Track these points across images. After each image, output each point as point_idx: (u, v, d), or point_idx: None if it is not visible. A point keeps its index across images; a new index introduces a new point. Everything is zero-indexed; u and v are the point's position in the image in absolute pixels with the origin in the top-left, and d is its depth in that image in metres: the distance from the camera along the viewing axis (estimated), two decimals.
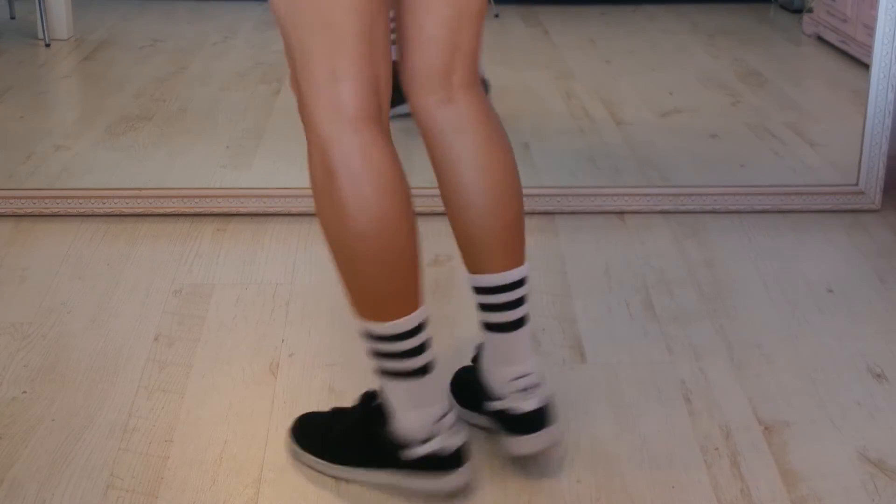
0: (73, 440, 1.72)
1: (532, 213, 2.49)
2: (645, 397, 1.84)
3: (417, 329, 1.51)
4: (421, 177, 2.66)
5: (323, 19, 1.43)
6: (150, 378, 1.88)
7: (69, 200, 2.48)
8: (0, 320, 2.05)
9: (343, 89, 1.46)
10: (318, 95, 1.48)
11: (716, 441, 1.73)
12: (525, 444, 1.62)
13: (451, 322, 2.06)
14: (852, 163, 2.57)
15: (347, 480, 1.63)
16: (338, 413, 1.70)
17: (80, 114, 3.22)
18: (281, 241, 2.38)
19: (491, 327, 1.64)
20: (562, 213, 2.50)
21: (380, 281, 1.49)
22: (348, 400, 1.82)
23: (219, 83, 3.29)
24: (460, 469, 1.57)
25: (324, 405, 1.80)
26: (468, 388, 1.72)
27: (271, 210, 2.47)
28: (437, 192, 2.50)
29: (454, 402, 1.71)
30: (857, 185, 2.55)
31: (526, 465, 1.66)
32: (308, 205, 2.47)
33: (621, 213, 2.50)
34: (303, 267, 2.26)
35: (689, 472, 1.66)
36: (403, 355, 1.51)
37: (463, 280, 2.20)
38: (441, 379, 1.59)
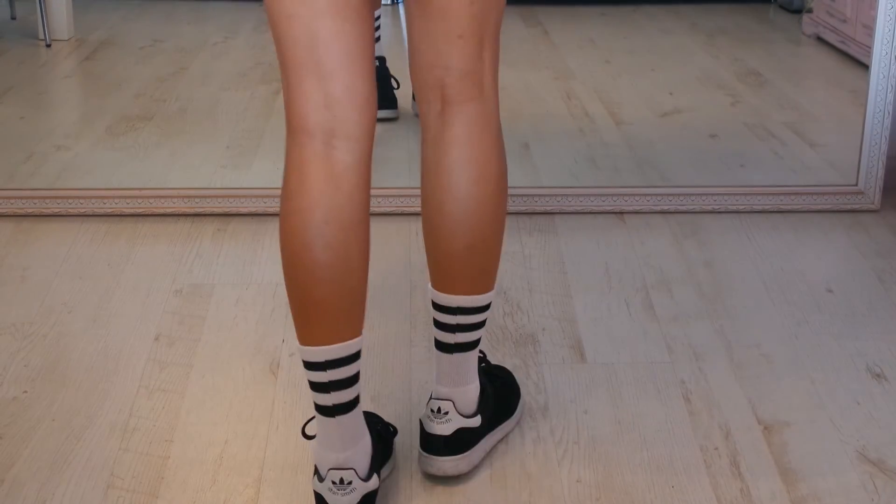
0: (73, 440, 1.72)
1: (532, 213, 2.49)
2: (645, 397, 1.84)
3: (324, 364, 1.49)
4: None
5: (278, 34, 1.44)
6: (150, 378, 1.89)
7: (69, 200, 2.48)
8: (0, 320, 2.06)
9: (291, 99, 1.46)
10: (286, 106, 1.48)
11: (716, 441, 1.73)
12: (422, 460, 1.65)
13: None
14: (852, 163, 2.57)
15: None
16: None
17: (81, 114, 3.22)
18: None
19: (434, 339, 1.65)
20: (562, 212, 2.50)
21: (292, 295, 1.50)
22: None
23: (219, 83, 3.29)
24: None
25: None
26: None
27: (271, 210, 2.47)
28: None
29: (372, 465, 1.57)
30: (856, 185, 2.55)
31: (525, 464, 1.67)
32: None
33: (621, 212, 2.51)
34: None
35: (689, 472, 1.66)
36: (319, 387, 1.50)
37: None
38: (352, 431, 1.52)
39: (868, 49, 2.54)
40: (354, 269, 1.48)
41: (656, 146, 2.86)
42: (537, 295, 2.16)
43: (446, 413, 1.62)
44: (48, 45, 3.56)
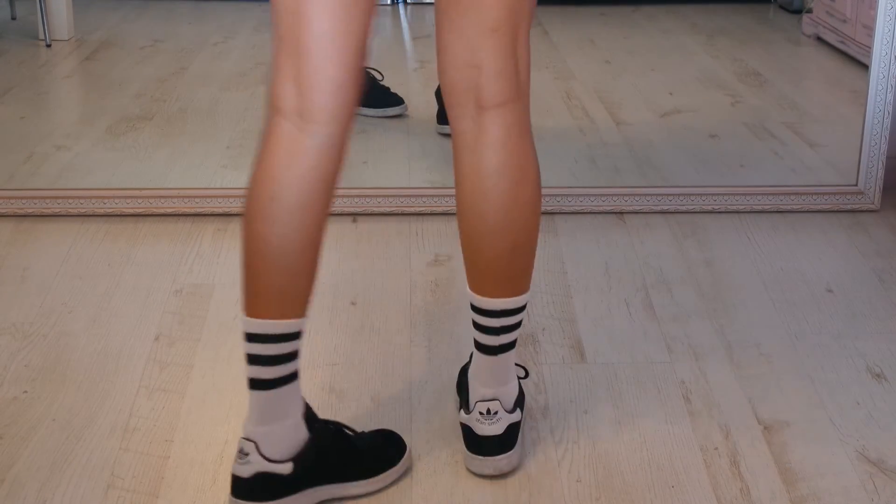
0: (73, 440, 1.72)
1: None
2: (645, 397, 1.84)
3: (253, 336, 1.49)
4: (420, 177, 2.66)
5: (273, 5, 1.43)
6: (150, 378, 1.89)
7: (70, 200, 2.48)
8: (0, 320, 2.06)
9: (272, 75, 1.46)
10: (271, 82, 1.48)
11: (715, 441, 1.73)
12: (476, 463, 1.64)
13: (451, 322, 2.06)
14: (852, 163, 2.57)
15: None
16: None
17: (81, 114, 3.22)
18: None
19: (475, 343, 1.64)
20: (562, 212, 2.50)
21: (248, 269, 1.48)
22: (348, 399, 1.83)
23: (219, 83, 3.29)
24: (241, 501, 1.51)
25: (324, 405, 1.80)
26: (461, 388, 1.74)
27: None
28: (436, 192, 2.51)
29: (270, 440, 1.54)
30: (856, 185, 2.55)
31: (525, 464, 1.67)
32: None
33: (621, 212, 2.51)
34: None
35: (689, 472, 1.66)
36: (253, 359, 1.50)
37: (463, 280, 2.21)
38: (266, 406, 1.52)
39: (868, 49, 2.54)
40: (293, 251, 1.46)
41: (656, 146, 2.86)
42: (537, 295, 2.16)
43: (496, 413, 1.62)
44: (48, 45, 3.56)
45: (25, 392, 1.84)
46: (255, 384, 1.51)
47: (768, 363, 1.95)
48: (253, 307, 1.48)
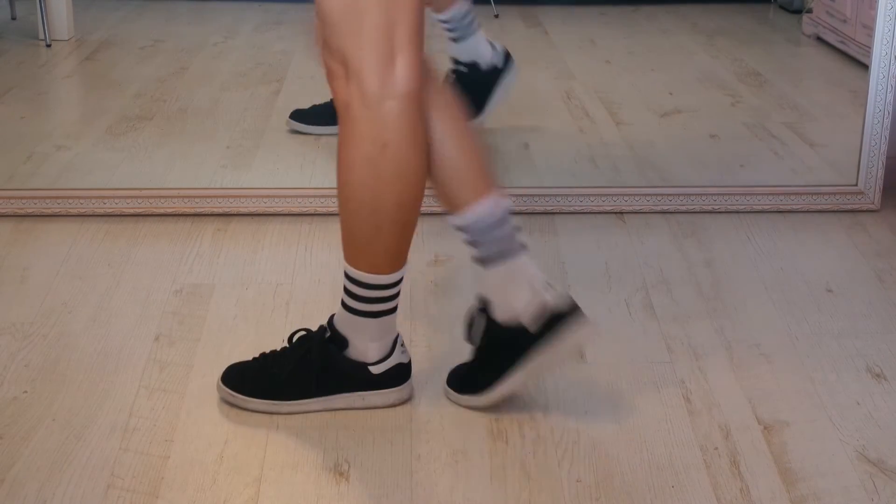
0: (73, 440, 1.72)
1: (532, 213, 2.49)
2: (645, 397, 1.84)
3: (403, 276, 1.75)
4: None
5: None
6: (150, 378, 1.89)
7: (70, 200, 2.48)
8: (0, 320, 2.06)
9: (399, 62, 1.58)
10: (374, 68, 1.57)
11: (715, 441, 1.73)
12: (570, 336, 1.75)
13: (451, 322, 2.06)
14: (852, 163, 2.57)
15: (307, 412, 1.77)
16: (273, 356, 1.81)
17: (81, 114, 3.22)
18: (281, 241, 2.38)
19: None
20: (562, 213, 2.50)
21: (402, 240, 1.71)
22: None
23: (219, 83, 3.29)
24: (410, 380, 1.81)
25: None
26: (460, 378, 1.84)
27: (271, 210, 2.47)
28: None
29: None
30: (856, 185, 2.55)
31: (525, 464, 1.67)
32: (308, 204, 2.47)
33: (621, 212, 2.51)
34: (303, 267, 2.26)
35: (689, 472, 1.66)
36: (391, 298, 1.74)
37: (463, 280, 2.21)
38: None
39: (868, 49, 2.54)
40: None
41: (656, 146, 2.86)
42: None
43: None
44: (48, 45, 3.56)
45: (25, 392, 1.84)
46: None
47: (768, 363, 1.95)
48: (400, 263, 1.74)
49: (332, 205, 2.44)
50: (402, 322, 2.04)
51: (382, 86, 1.59)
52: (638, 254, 2.33)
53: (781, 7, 3.96)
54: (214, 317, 2.08)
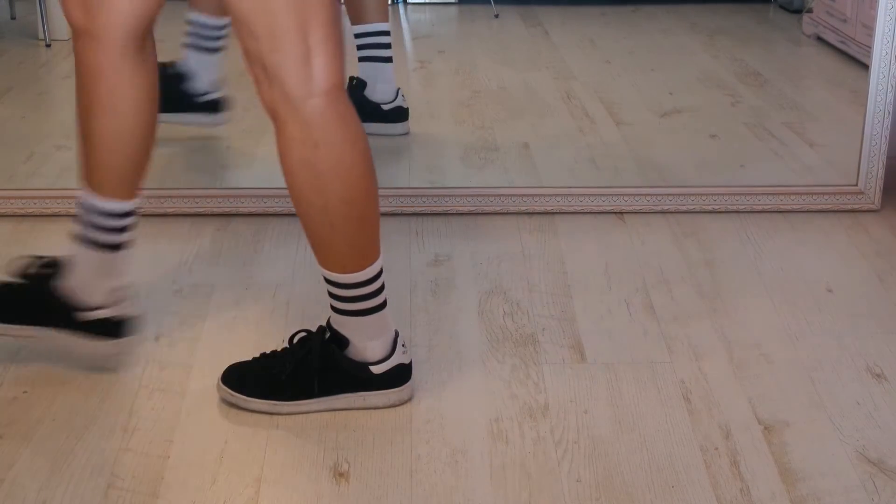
0: (73, 440, 1.72)
1: (532, 213, 2.49)
2: (645, 397, 1.84)
3: (381, 271, 1.75)
4: (420, 177, 2.66)
5: None
6: (150, 378, 1.89)
7: (70, 200, 2.47)
8: None
9: (316, 61, 1.58)
10: (292, 69, 1.58)
11: (715, 441, 1.73)
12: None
13: (451, 322, 2.06)
14: (852, 163, 2.57)
15: (307, 412, 1.78)
16: (273, 356, 1.82)
17: None
18: (281, 241, 2.38)
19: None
20: (562, 213, 2.50)
21: (362, 236, 1.70)
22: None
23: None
24: (411, 381, 1.82)
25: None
26: None
27: (271, 210, 2.47)
28: (436, 192, 2.51)
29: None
30: (856, 185, 2.55)
31: (525, 464, 1.67)
32: None
33: (621, 212, 2.51)
34: (303, 267, 2.26)
35: (689, 472, 1.66)
36: (373, 294, 1.75)
37: (463, 280, 2.21)
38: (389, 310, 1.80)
39: (868, 49, 2.54)
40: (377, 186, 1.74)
41: (656, 146, 2.86)
42: (537, 295, 2.16)
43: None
44: (48, 45, 3.56)
45: (25, 392, 1.84)
46: None
47: (768, 363, 1.95)
48: (372, 256, 1.74)
49: None
50: (402, 322, 2.05)
51: (303, 86, 1.59)
52: (638, 254, 2.33)
53: (781, 7, 3.96)
54: (215, 317, 2.08)
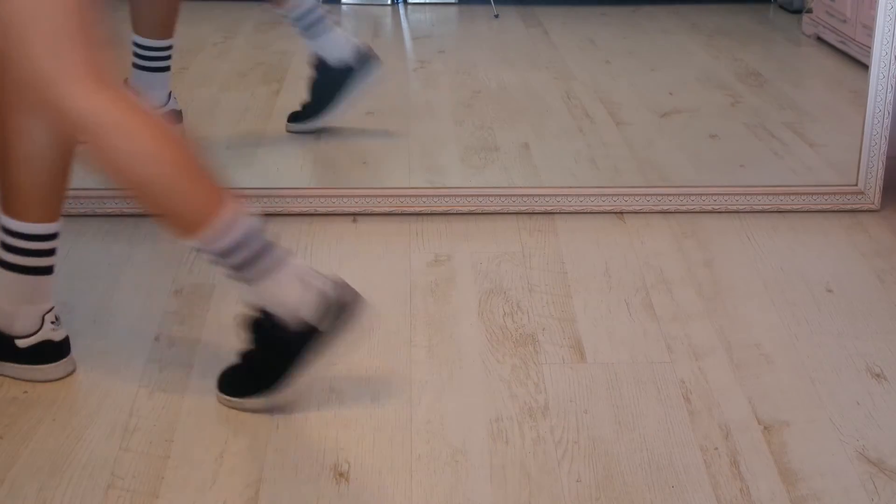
0: (73, 440, 1.72)
1: (532, 213, 2.49)
2: (645, 397, 1.85)
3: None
4: (420, 177, 2.66)
5: None
6: (150, 378, 1.89)
7: (69, 200, 2.45)
8: None
9: (69, 62, 1.68)
10: (51, 74, 1.65)
11: (715, 441, 1.73)
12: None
13: (451, 322, 2.06)
14: (852, 163, 2.57)
15: None
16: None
17: None
18: (280, 241, 2.37)
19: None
20: (562, 213, 2.50)
21: (184, 196, 1.77)
22: (348, 399, 1.83)
23: (219, 83, 3.29)
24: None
25: (324, 405, 1.80)
26: None
27: (271, 210, 2.47)
28: (436, 192, 2.51)
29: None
30: (856, 184, 2.55)
31: (525, 464, 1.67)
32: (308, 204, 2.47)
33: (621, 212, 2.51)
34: None
35: (689, 472, 1.66)
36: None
37: (463, 280, 2.21)
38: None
39: (868, 49, 2.54)
40: None
41: (656, 146, 2.86)
42: (537, 295, 2.16)
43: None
44: None
45: (25, 392, 1.84)
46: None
47: (768, 363, 1.95)
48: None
49: (333, 205, 2.45)
50: (402, 322, 2.05)
51: (62, 88, 1.65)
52: (638, 254, 2.33)
53: (781, 7, 3.96)
54: (214, 317, 2.08)
